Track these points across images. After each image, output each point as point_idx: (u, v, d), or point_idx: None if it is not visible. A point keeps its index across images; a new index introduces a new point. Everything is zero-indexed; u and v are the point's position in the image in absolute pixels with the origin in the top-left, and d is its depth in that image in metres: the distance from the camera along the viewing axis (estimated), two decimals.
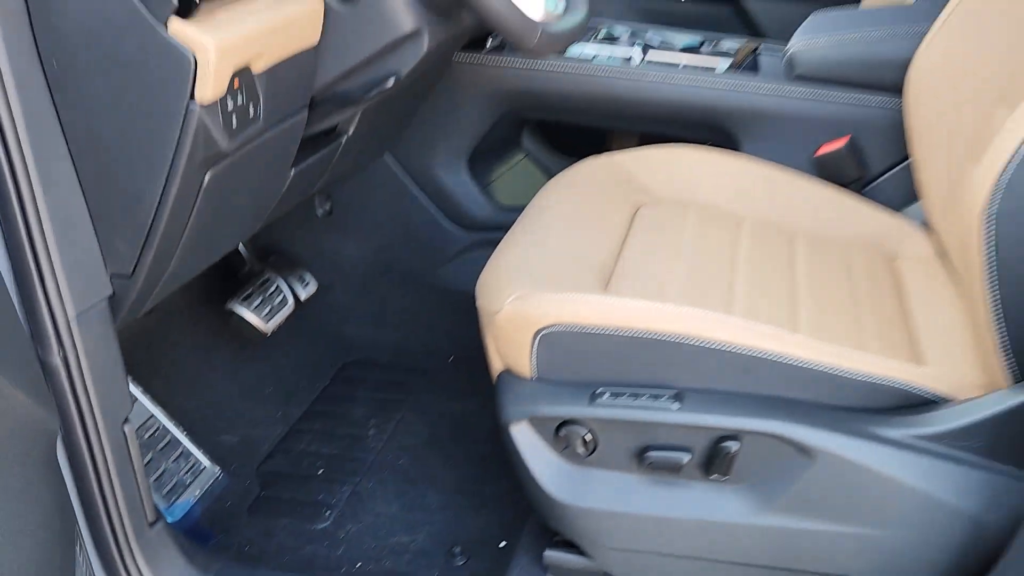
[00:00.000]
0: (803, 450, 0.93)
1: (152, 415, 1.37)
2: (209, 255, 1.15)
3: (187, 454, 1.38)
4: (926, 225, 1.28)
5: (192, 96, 0.84)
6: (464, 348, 1.71)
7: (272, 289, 1.58)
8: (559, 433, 1.01)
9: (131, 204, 0.90)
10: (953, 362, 1.00)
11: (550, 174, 1.54)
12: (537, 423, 1.03)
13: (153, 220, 0.92)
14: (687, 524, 1.00)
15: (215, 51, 0.82)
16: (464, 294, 1.71)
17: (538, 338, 1.01)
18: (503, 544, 1.28)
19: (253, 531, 1.33)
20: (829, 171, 1.41)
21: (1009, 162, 0.82)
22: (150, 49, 0.82)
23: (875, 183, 1.41)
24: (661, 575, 1.06)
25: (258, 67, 0.93)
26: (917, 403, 0.94)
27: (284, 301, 1.59)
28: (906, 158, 1.38)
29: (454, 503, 1.37)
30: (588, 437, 1.01)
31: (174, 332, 1.55)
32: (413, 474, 1.43)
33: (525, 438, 1.03)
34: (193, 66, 0.82)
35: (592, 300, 1.00)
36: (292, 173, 1.20)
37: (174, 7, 0.80)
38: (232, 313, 1.52)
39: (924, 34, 1.27)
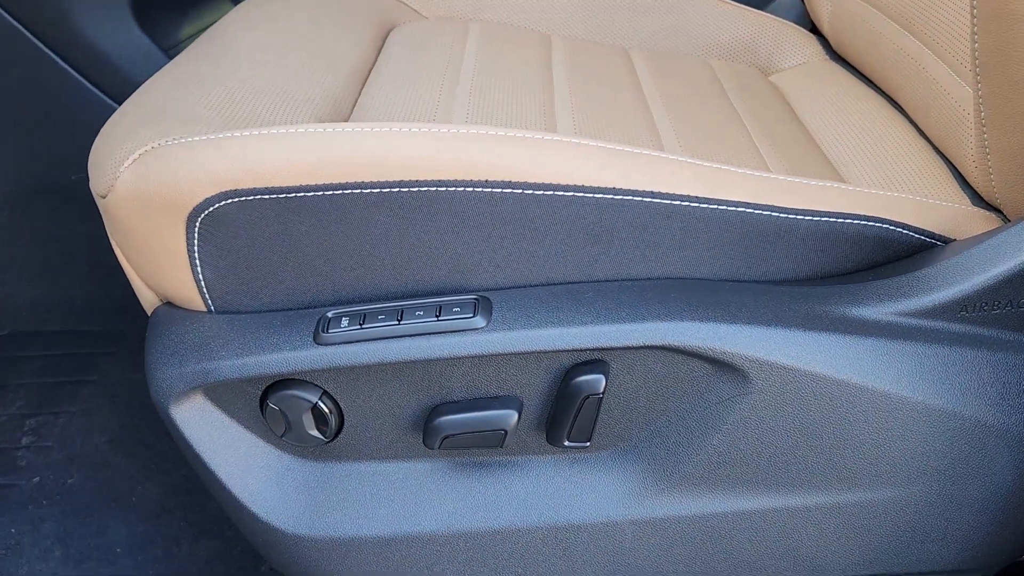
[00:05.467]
0: (725, 367, 0.49)
1: None
2: None
3: None
4: (804, 22, 0.90)
5: None
6: None
7: None
8: (267, 409, 0.52)
9: None
10: (920, 189, 0.60)
11: None
12: (222, 395, 0.53)
13: None
14: (527, 536, 0.54)
15: None
16: None
17: (198, 224, 0.50)
18: None
19: None
20: None
21: None
22: None
23: None
24: None
25: None
26: (893, 254, 0.53)
27: None
28: None
29: (155, 536, 0.85)
30: (326, 407, 0.52)
31: None
32: (89, 498, 0.89)
33: (203, 426, 0.53)
34: None
35: (308, 135, 0.50)
36: None
37: None
38: None
39: None
